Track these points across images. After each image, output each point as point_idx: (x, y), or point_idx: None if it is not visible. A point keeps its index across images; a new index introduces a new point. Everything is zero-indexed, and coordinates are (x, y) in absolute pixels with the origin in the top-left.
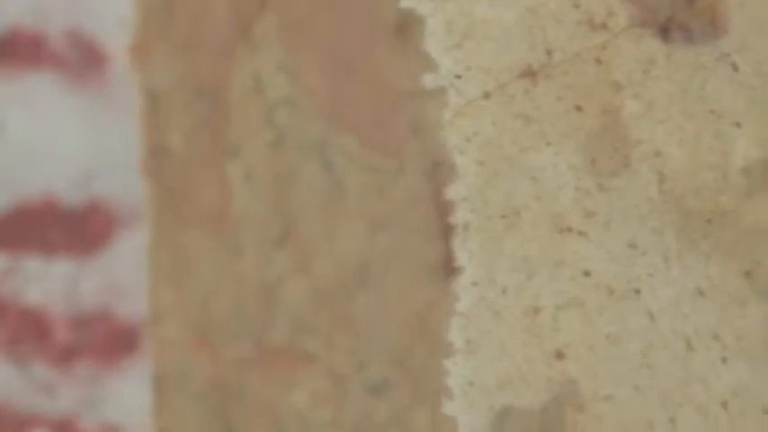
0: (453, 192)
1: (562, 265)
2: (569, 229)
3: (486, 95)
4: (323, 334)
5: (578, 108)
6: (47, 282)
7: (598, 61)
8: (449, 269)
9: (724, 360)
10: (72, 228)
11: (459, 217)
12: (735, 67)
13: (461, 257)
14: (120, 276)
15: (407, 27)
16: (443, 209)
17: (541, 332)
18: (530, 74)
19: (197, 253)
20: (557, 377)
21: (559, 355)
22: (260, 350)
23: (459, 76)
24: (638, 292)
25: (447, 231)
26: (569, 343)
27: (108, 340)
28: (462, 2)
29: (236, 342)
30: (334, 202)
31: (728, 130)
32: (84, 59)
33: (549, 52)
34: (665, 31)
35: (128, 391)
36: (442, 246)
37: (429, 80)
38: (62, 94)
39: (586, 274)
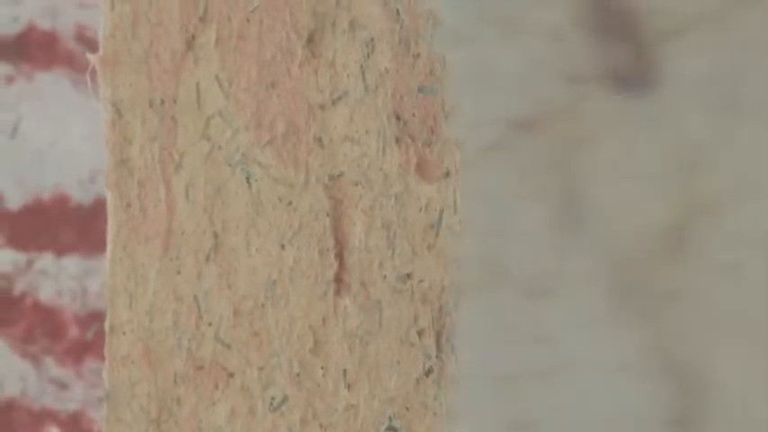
0: None
1: None
2: None
3: None
4: (239, 351)
5: None
6: (59, 280)
7: None
8: (340, 285)
9: None
10: (81, 226)
11: None
12: None
13: None
14: None
15: (318, 38)
16: (338, 224)
17: None
18: None
19: (148, 267)
20: None
21: None
22: (190, 365)
23: None
24: None
25: (341, 247)
26: None
27: None
28: None
29: (173, 357)
30: (252, 217)
31: None
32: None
33: None
34: None
35: None
36: (335, 262)
37: None
38: (74, 94)
39: None
